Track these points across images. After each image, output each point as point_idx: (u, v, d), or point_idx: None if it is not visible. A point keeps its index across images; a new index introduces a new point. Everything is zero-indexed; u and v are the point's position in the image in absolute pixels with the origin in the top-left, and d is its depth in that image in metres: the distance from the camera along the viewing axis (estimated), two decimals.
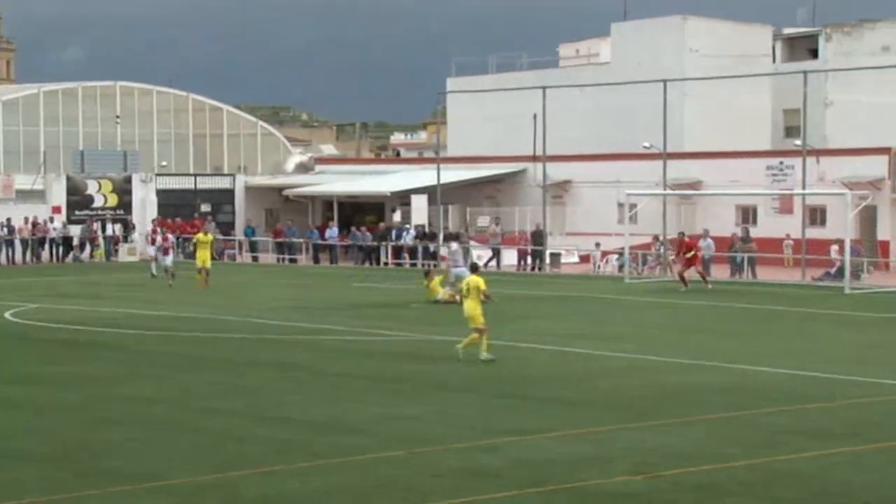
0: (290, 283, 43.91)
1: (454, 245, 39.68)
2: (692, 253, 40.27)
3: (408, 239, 54.54)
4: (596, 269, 49.42)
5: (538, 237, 51.87)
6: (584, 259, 53.73)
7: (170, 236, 46.66)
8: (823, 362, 23.01)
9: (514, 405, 18.74)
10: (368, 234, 55.81)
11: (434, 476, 13.95)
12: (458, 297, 33.99)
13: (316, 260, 56.53)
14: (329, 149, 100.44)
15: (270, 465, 14.39)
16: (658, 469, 14.20)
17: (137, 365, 22.96)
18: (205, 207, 62.28)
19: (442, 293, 34.95)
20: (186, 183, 62.86)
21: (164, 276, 42.80)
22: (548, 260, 51.42)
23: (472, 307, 22.90)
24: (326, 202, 63.50)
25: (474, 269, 24.71)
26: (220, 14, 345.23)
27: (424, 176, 59.11)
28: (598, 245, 50.47)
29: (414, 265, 53.60)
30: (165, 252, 43.66)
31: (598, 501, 12.96)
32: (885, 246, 49.40)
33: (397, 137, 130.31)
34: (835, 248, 44.57)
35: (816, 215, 50.49)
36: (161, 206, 60.28)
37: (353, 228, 56.79)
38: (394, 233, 55.52)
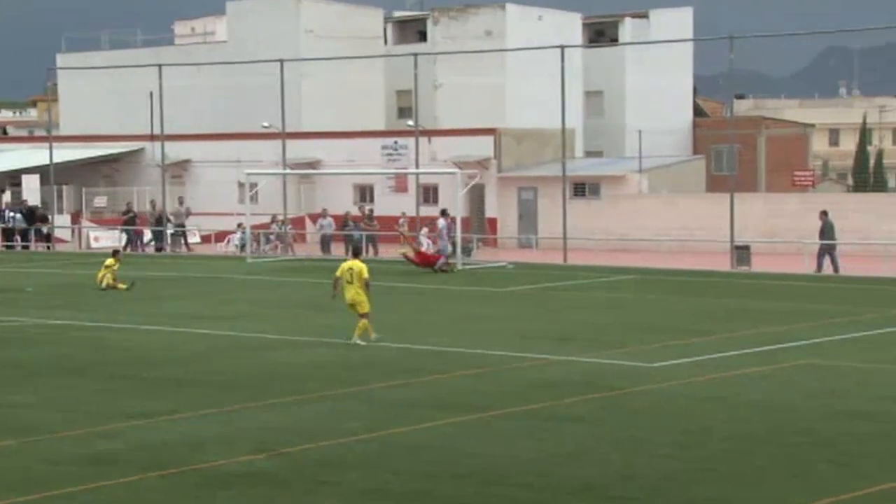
0: None
1: (441, 221, 39.67)
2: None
3: (14, 222, 52.24)
4: (245, 251, 47.42)
5: (158, 217, 50.92)
6: (206, 239, 53.24)
7: None
8: (437, 336, 23.92)
9: (131, 388, 18.45)
10: None
11: (51, 464, 13.57)
12: (120, 285, 32.79)
13: None
14: None
15: None
16: (280, 447, 14.39)
17: None
18: None
19: (109, 279, 33.11)
20: None
21: None
22: (168, 240, 50.63)
23: (356, 294, 22.24)
24: None
25: (356, 253, 23.25)
26: None
27: (36, 155, 56.80)
28: (239, 225, 49.44)
29: (26, 247, 51.56)
30: None
31: (221, 481, 12.99)
32: (492, 223, 51.79)
33: (5, 115, 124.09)
34: (401, 221, 46.72)
35: (430, 194, 52.29)
36: None
37: None
38: (5, 214, 53.11)
